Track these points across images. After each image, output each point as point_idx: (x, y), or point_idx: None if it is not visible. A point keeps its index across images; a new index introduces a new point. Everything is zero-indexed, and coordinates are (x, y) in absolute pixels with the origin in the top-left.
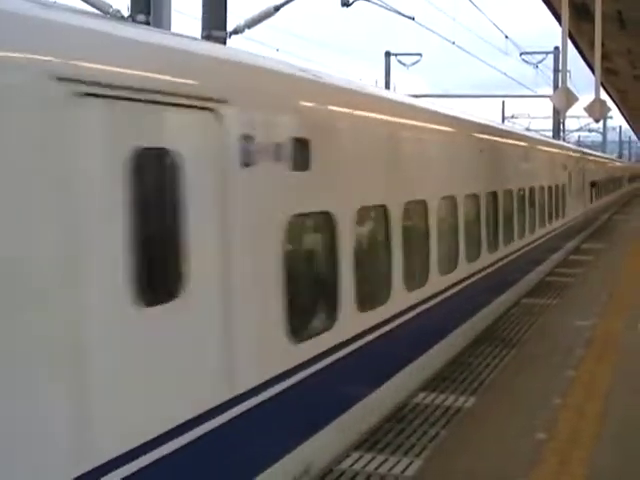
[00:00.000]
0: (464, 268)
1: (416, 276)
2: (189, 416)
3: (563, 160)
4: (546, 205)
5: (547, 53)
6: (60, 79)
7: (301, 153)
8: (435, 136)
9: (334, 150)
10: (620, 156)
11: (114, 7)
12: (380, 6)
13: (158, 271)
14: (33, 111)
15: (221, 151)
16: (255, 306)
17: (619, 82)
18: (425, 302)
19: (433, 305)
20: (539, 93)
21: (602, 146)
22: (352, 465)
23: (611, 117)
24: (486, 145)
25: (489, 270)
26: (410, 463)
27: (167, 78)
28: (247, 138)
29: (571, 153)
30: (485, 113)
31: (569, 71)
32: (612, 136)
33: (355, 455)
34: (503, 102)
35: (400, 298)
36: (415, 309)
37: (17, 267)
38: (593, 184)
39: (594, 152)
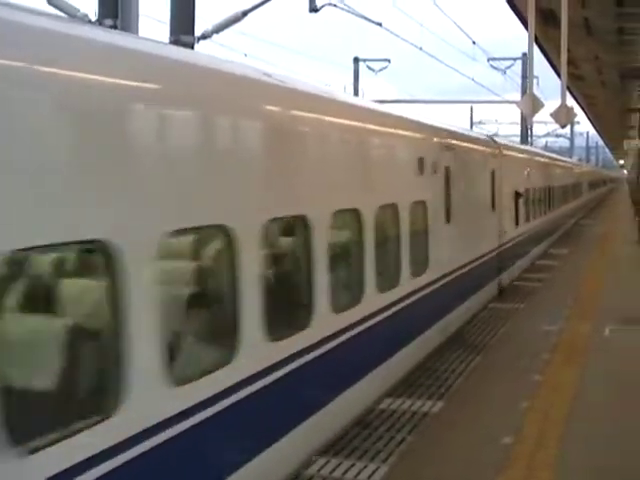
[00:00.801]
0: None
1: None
2: None
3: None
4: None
5: (515, 59)
6: None
7: None
8: None
9: None
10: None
11: (81, 11)
12: (348, 12)
13: None
14: None
15: None
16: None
17: (586, 88)
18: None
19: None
20: (507, 99)
21: (569, 151)
22: (319, 470)
23: (578, 122)
24: None
25: None
26: (377, 469)
27: None
28: None
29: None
30: (454, 119)
31: (537, 77)
32: (580, 141)
33: (321, 461)
34: (471, 108)
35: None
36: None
37: None
38: (519, 195)
39: (528, 148)
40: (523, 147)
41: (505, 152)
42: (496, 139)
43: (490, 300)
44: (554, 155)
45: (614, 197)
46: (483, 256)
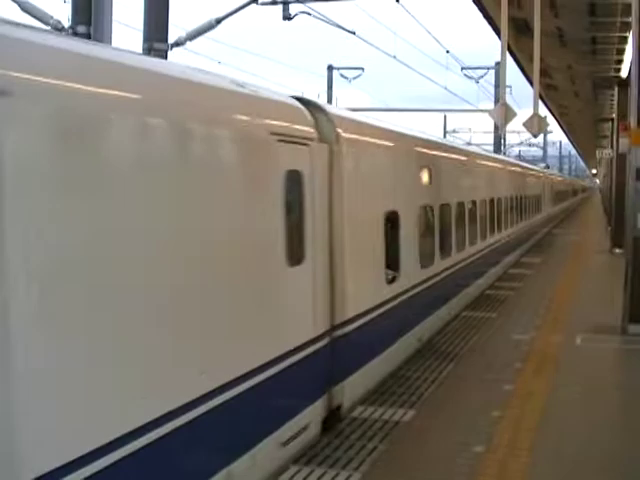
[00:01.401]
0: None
1: None
2: None
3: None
4: None
5: (488, 68)
6: None
7: None
8: None
9: None
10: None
11: (54, 18)
12: (322, 20)
13: None
14: None
15: None
16: None
17: (559, 97)
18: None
19: None
20: (481, 108)
21: (543, 160)
22: (291, 478)
23: (551, 131)
24: None
25: None
26: (348, 477)
27: None
28: None
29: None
30: (428, 127)
31: (510, 87)
32: (552, 151)
33: (293, 469)
34: (445, 116)
35: None
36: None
37: None
38: (392, 221)
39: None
40: (416, 134)
41: (350, 136)
42: (328, 108)
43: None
44: (498, 156)
45: (585, 208)
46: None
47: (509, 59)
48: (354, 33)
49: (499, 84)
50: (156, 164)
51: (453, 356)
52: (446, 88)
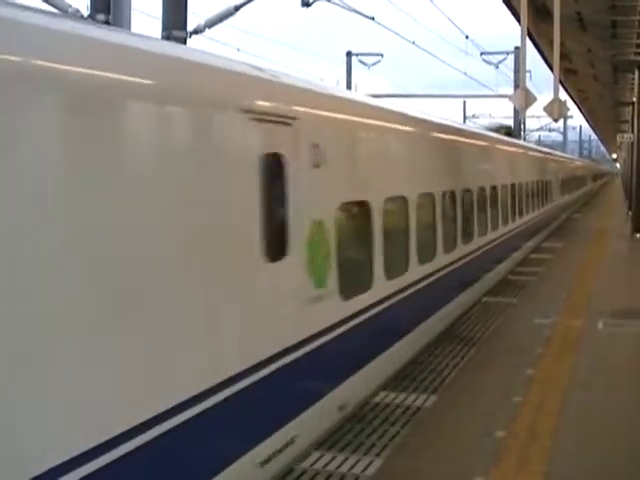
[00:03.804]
0: None
1: None
2: None
3: None
4: None
5: (507, 53)
6: None
7: None
8: None
9: None
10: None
11: (73, 6)
12: (340, 6)
13: None
14: None
15: None
16: None
17: (579, 82)
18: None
19: None
20: (500, 93)
21: (563, 145)
22: (313, 464)
23: (571, 116)
24: None
25: None
26: (370, 462)
27: None
28: None
29: None
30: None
31: (530, 71)
32: (573, 135)
33: (315, 454)
34: (464, 102)
35: None
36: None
37: None
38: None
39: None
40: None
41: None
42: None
43: None
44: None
45: (606, 193)
46: None
47: (528, 44)
48: (373, 19)
49: (519, 69)
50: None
51: (475, 341)
52: (465, 73)
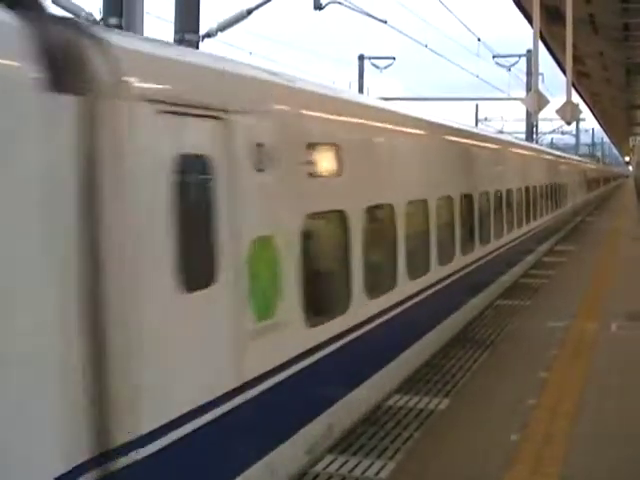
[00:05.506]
0: None
1: None
2: None
3: None
4: None
5: (520, 56)
6: None
7: None
8: None
9: None
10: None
11: (86, 11)
12: (353, 9)
13: None
14: None
15: None
16: None
17: (591, 85)
18: None
19: None
20: (512, 96)
21: (575, 148)
22: (326, 468)
23: (584, 119)
24: None
25: None
26: (384, 465)
27: None
28: None
29: None
30: (459, 116)
31: (542, 74)
32: (585, 138)
33: (329, 457)
34: (477, 105)
35: None
36: None
37: None
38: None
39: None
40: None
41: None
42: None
43: None
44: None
45: (618, 196)
46: None
47: (541, 47)
48: (385, 22)
49: (531, 72)
50: None
51: (488, 344)
52: (478, 76)
